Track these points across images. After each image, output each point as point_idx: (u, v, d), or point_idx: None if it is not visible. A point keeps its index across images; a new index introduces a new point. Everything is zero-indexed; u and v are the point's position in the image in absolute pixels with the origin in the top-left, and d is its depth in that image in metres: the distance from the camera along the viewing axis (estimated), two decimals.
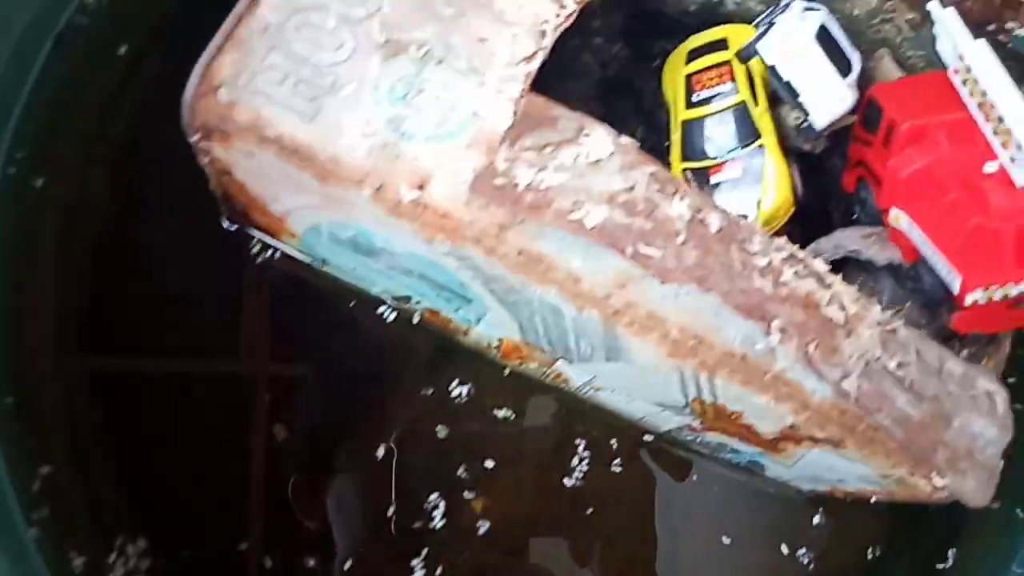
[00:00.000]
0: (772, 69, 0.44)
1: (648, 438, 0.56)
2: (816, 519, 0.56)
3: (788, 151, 0.48)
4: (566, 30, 0.45)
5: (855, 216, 0.49)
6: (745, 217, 0.46)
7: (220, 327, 0.56)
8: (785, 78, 0.44)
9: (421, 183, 0.40)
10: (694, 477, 0.57)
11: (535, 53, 0.41)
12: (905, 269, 0.43)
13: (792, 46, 0.43)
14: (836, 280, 0.39)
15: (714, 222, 0.38)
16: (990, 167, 0.39)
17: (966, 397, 0.39)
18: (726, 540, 0.55)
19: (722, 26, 0.51)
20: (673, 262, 0.37)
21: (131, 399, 0.54)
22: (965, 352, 0.44)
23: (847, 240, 0.46)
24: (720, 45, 0.50)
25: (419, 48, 0.41)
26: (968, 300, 0.38)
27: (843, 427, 0.39)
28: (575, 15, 0.42)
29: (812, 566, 0.55)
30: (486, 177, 0.39)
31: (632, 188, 0.38)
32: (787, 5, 0.48)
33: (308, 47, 0.41)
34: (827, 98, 0.43)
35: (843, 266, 0.47)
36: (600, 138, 0.39)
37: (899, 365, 0.38)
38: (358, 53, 0.41)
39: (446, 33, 0.42)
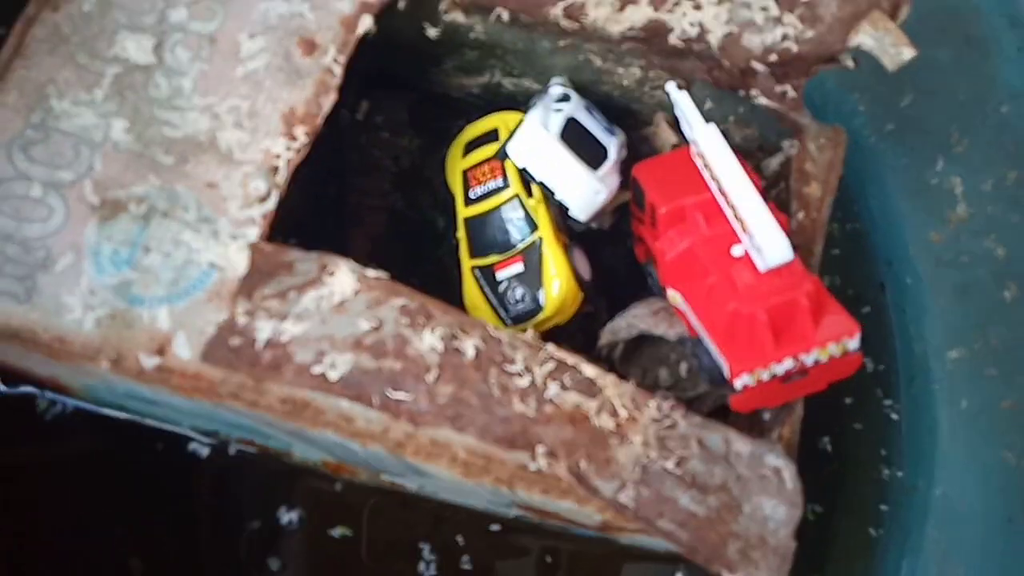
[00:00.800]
0: (524, 170, 0.43)
1: (495, 527, 0.54)
2: (678, 574, 0.55)
3: (571, 236, 0.47)
4: (355, 127, 0.43)
5: (651, 284, 0.49)
6: (537, 313, 0.46)
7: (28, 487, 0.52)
8: (538, 179, 0.43)
9: (160, 348, 0.37)
10: (548, 559, 0.55)
11: (269, 192, 0.39)
12: (692, 343, 0.43)
13: (538, 148, 0.42)
14: (609, 383, 0.38)
15: (469, 349, 0.36)
16: (737, 250, 0.38)
17: (755, 478, 0.38)
18: None
19: (493, 114, 0.50)
20: (425, 403, 0.35)
21: None
22: (767, 416, 0.43)
23: (638, 319, 0.45)
24: (492, 136, 0.49)
25: (139, 204, 0.38)
26: (738, 385, 0.38)
27: (640, 524, 0.38)
28: (309, 147, 0.40)
29: None
30: (221, 338, 0.36)
31: (380, 327, 0.36)
32: (547, 88, 0.47)
33: (12, 222, 0.37)
34: (582, 194, 0.43)
35: (644, 341, 0.47)
36: (344, 276, 0.37)
37: (679, 462, 0.37)
38: (71, 220, 0.38)
39: (169, 183, 0.39)
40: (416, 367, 0.36)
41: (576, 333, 0.49)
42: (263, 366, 0.36)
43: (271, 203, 0.39)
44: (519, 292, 0.45)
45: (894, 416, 0.60)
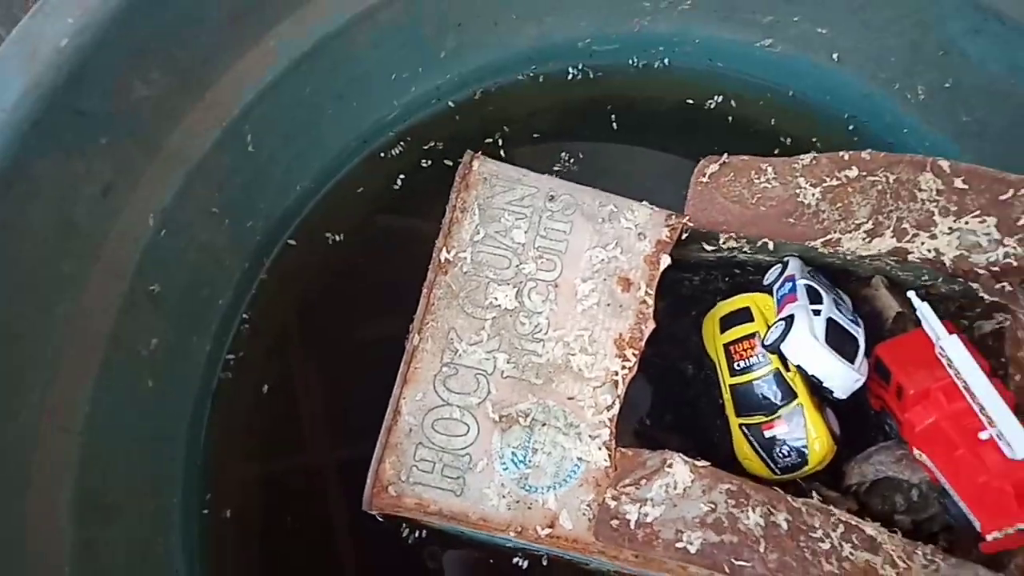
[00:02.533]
0: (799, 367, 0.56)
1: None
2: None
3: (823, 400, 0.60)
4: None
5: (887, 429, 0.60)
6: (803, 466, 0.58)
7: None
8: (811, 373, 0.55)
9: (551, 522, 0.52)
10: None
11: (613, 402, 0.54)
12: (939, 492, 0.55)
13: (809, 352, 0.54)
14: (885, 538, 0.51)
15: (783, 523, 0.50)
16: (983, 435, 0.50)
17: None
18: None
19: (743, 295, 0.63)
20: (760, 568, 0.49)
21: None
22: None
23: (884, 465, 0.57)
24: (746, 315, 0.61)
25: (525, 417, 0.54)
26: (989, 538, 0.49)
27: None
28: (638, 363, 0.54)
29: None
30: (603, 519, 0.51)
31: (715, 508, 0.50)
32: (792, 280, 0.60)
33: (444, 438, 0.54)
34: (845, 383, 0.55)
35: (884, 482, 0.59)
36: (680, 469, 0.52)
37: None
38: (481, 433, 0.54)
39: (542, 399, 0.54)
40: (748, 539, 0.50)
41: (819, 473, 0.61)
42: (640, 542, 0.50)
43: (615, 409, 0.54)
44: (786, 449, 0.58)
45: None
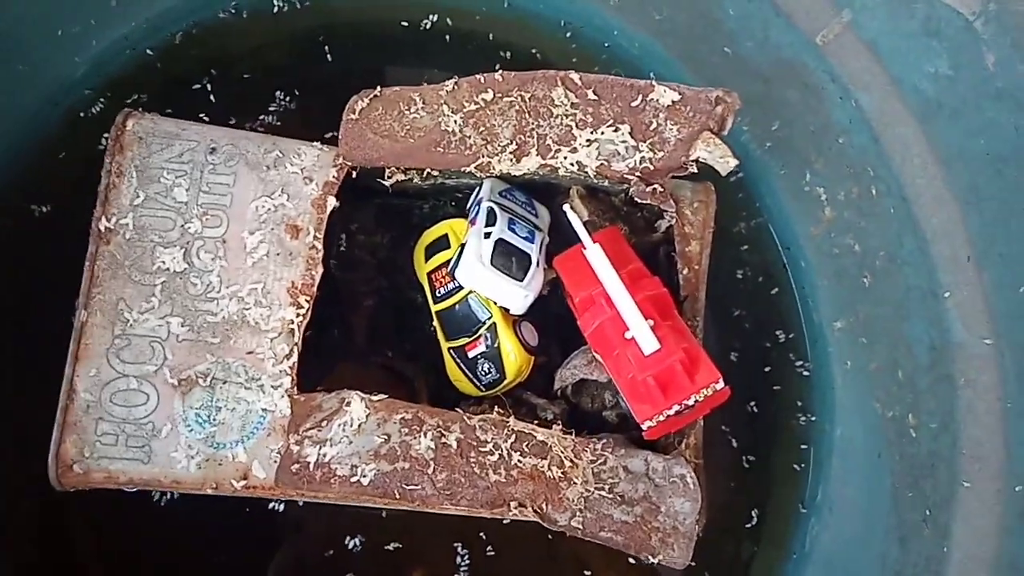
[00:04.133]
0: (471, 291, 0.57)
1: (506, 520, 0.72)
2: None
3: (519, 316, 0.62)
4: (343, 252, 0.56)
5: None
6: (502, 381, 0.61)
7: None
8: (483, 294, 0.57)
9: (244, 475, 0.54)
10: (549, 536, 0.73)
11: (291, 351, 0.54)
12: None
13: (475, 275, 0.56)
14: (555, 440, 0.54)
15: (453, 442, 0.53)
16: (628, 334, 0.53)
17: (668, 484, 0.55)
18: (587, 573, 0.72)
19: (443, 222, 0.63)
20: (429, 488, 0.52)
21: None
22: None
23: (578, 369, 0.61)
24: (444, 242, 0.62)
25: (205, 377, 0.54)
26: (645, 426, 0.53)
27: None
28: (311, 308, 0.55)
29: (656, 563, 0.73)
30: (286, 465, 0.53)
31: (388, 439, 0.53)
32: (479, 202, 0.61)
33: (124, 409, 0.53)
34: (514, 300, 0.57)
35: (582, 384, 0.62)
36: (357, 406, 0.53)
37: (611, 488, 0.54)
38: (162, 400, 0.54)
39: (221, 357, 0.54)
40: (419, 463, 0.52)
41: (537, 379, 0.65)
42: (318, 482, 0.52)
43: (293, 358, 0.55)
44: (486, 366, 0.61)
45: (805, 373, 0.76)
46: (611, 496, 0.53)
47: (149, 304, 0.54)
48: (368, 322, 0.71)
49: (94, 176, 0.59)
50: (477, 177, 0.64)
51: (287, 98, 0.75)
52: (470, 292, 0.61)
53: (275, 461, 0.53)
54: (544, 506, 0.52)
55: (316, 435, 0.53)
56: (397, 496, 0.51)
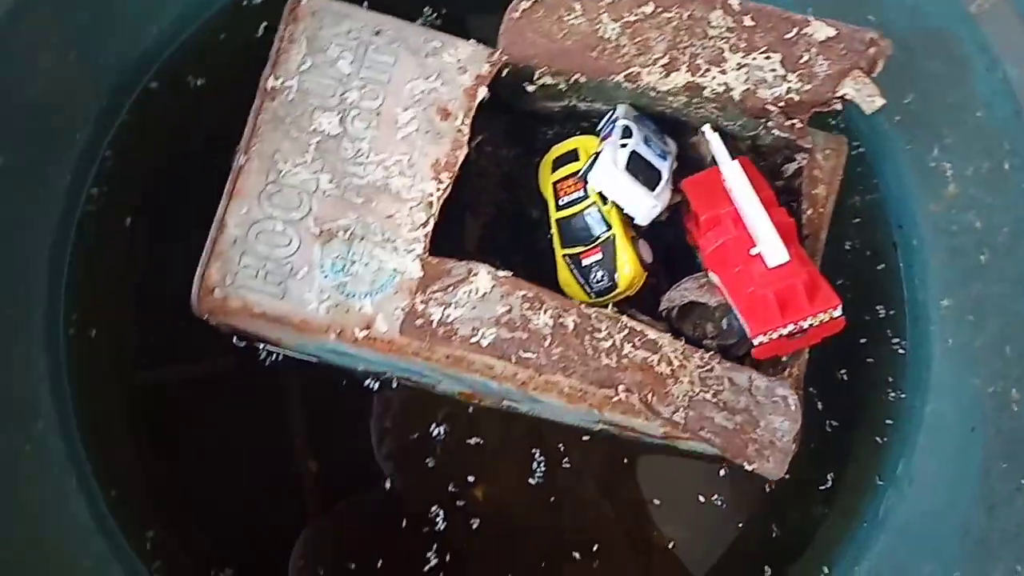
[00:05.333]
0: (600, 193, 0.60)
1: (586, 437, 0.74)
2: (722, 472, 0.74)
3: (637, 231, 0.64)
4: (469, 159, 0.59)
5: (698, 262, 0.65)
6: (613, 289, 0.63)
7: (245, 404, 0.74)
8: (611, 199, 0.59)
9: (367, 324, 0.57)
10: (625, 460, 0.75)
11: (428, 220, 0.58)
12: (727, 309, 0.60)
13: (608, 178, 0.58)
14: (665, 341, 0.56)
15: (570, 323, 0.55)
16: (753, 250, 0.54)
17: (769, 403, 0.56)
18: (657, 502, 0.74)
19: (574, 138, 0.66)
20: (544, 359, 0.54)
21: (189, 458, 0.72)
22: (784, 358, 0.61)
23: (688, 291, 0.62)
24: (573, 155, 0.65)
25: (345, 232, 0.57)
26: (756, 342, 0.55)
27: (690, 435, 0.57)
28: (451, 186, 0.58)
29: (724, 506, 0.74)
30: (410, 319, 0.56)
31: (510, 310, 0.55)
32: (614, 121, 0.63)
33: (267, 248, 0.57)
34: (642, 208, 0.59)
35: (693, 304, 0.64)
36: (483, 277, 0.56)
37: (715, 394, 0.55)
38: (303, 245, 0.57)
39: (362, 216, 0.58)
40: (536, 336, 0.54)
41: (644, 299, 0.66)
42: (440, 337, 0.55)
43: (429, 227, 0.58)
44: (600, 274, 0.63)
45: (900, 351, 0.76)
46: (714, 401, 0.55)
47: (302, 159, 0.58)
48: (482, 230, 0.74)
49: (247, 58, 0.64)
50: (611, 102, 0.66)
51: (434, 14, 0.78)
52: (593, 203, 0.63)
53: (398, 318, 0.56)
54: (650, 397, 0.54)
55: (442, 297, 0.56)
56: (513, 360, 0.54)
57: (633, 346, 0.55)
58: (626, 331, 0.56)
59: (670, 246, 0.69)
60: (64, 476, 0.67)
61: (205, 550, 0.71)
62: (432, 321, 0.55)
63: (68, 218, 0.71)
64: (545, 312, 0.55)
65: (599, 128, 0.66)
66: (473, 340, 0.54)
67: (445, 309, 0.56)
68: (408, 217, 0.58)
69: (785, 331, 0.54)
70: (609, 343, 0.55)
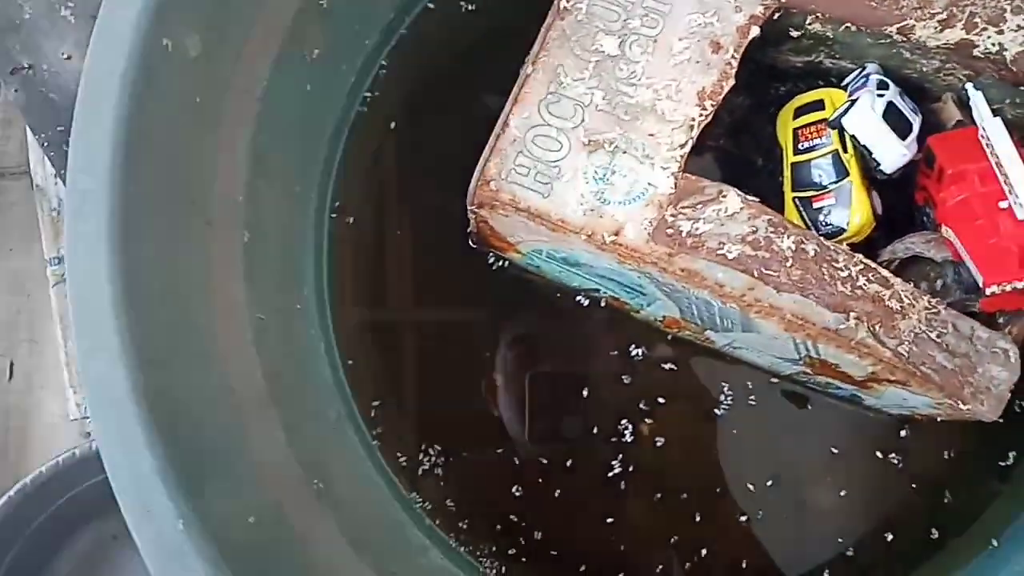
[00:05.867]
0: (853, 137, 0.64)
1: (774, 380, 0.78)
2: (903, 432, 0.77)
3: (872, 182, 0.68)
4: None
5: (924, 221, 0.68)
6: (841, 233, 0.67)
7: (470, 307, 0.83)
8: (862, 143, 0.64)
9: (617, 231, 0.64)
10: (809, 407, 0.79)
11: (687, 142, 0.64)
12: (955, 264, 0.63)
13: (867, 122, 0.62)
14: (897, 281, 0.60)
15: (811, 250, 0.60)
16: (1003, 204, 0.57)
17: (989, 353, 0.59)
18: (835, 451, 0.78)
19: (820, 89, 0.70)
20: (784, 278, 0.59)
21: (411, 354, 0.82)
22: (1002, 319, 0.63)
23: (914, 244, 0.66)
24: (819, 105, 0.69)
25: (610, 144, 0.64)
26: (988, 292, 0.58)
27: (905, 373, 0.61)
28: (713, 114, 0.64)
29: (900, 465, 0.77)
30: (660, 228, 0.62)
31: (756, 231, 0.61)
32: (866, 76, 0.67)
33: (541, 151, 0.65)
34: (892, 155, 0.63)
35: (914, 260, 0.67)
36: (732, 198, 0.62)
37: (939, 335, 0.59)
38: (571, 151, 0.65)
39: (627, 132, 0.64)
40: (778, 257, 0.60)
41: (862, 250, 0.70)
42: (688, 246, 0.61)
43: (687, 148, 0.64)
44: (830, 217, 0.67)
45: None
46: (938, 341, 0.59)
47: (582, 75, 0.65)
48: (703, 172, 0.79)
49: None
50: (858, 60, 0.70)
51: None
52: (834, 150, 0.68)
53: (646, 228, 0.63)
54: (877, 327, 0.59)
55: (691, 213, 0.62)
56: (755, 274, 0.59)
57: (868, 280, 0.59)
58: (861, 265, 0.60)
59: (891, 207, 0.72)
60: (318, 337, 0.78)
61: (417, 429, 0.80)
62: (681, 232, 0.62)
63: (346, 114, 0.82)
64: (788, 237, 0.60)
65: (846, 83, 0.70)
66: (719, 252, 0.60)
67: (694, 223, 0.62)
68: (669, 137, 0.64)
69: (1020, 285, 0.57)
70: (845, 273, 0.59)
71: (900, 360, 0.59)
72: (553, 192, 0.65)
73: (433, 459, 0.78)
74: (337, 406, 0.75)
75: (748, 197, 0.62)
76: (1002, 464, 0.76)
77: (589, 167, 0.64)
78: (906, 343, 0.58)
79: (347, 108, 0.81)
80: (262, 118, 0.67)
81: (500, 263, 0.80)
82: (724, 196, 0.62)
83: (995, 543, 0.75)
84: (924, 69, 0.68)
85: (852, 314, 0.59)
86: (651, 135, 0.64)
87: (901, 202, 0.71)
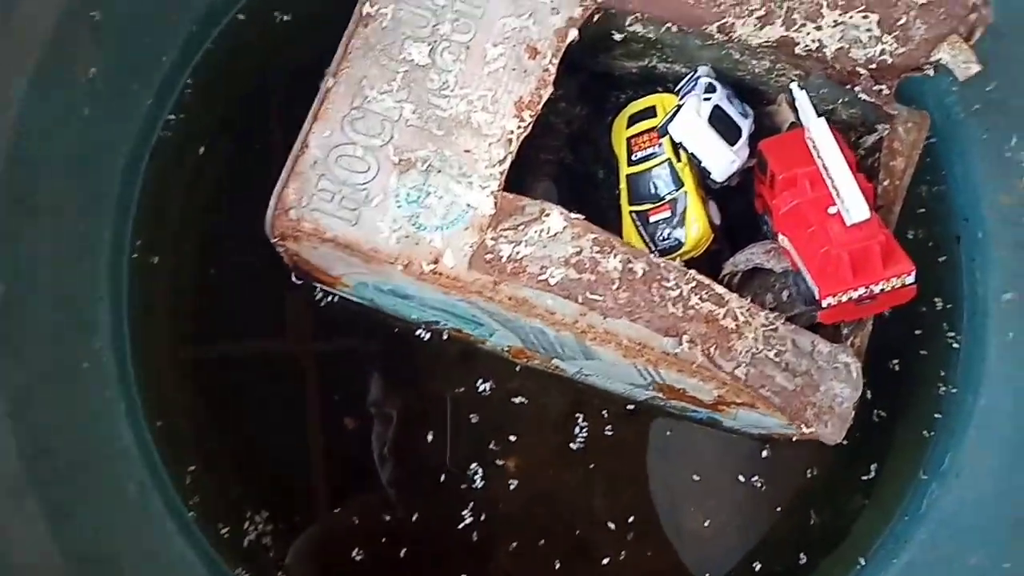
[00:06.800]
0: (680, 144, 0.60)
1: (631, 407, 0.74)
2: (764, 452, 0.73)
3: (709, 191, 0.64)
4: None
5: (765, 230, 0.65)
6: (679, 247, 0.63)
7: (296, 349, 0.75)
8: (691, 151, 0.60)
9: (435, 259, 0.57)
10: (669, 433, 0.74)
11: (505, 157, 0.58)
12: (794, 275, 0.60)
13: (692, 128, 0.58)
14: (732, 298, 0.56)
15: (639, 270, 0.55)
16: (832, 209, 0.54)
17: (830, 368, 0.55)
18: (696, 478, 0.73)
19: (652, 95, 0.66)
20: (611, 303, 0.54)
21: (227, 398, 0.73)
22: (846, 329, 0.60)
23: (754, 255, 0.62)
24: (651, 112, 0.65)
25: (423, 163, 0.58)
26: (824, 304, 0.54)
27: (749, 396, 0.56)
28: (531, 126, 0.58)
29: (764, 488, 0.73)
30: (480, 254, 0.56)
31: (580, 252, 0.55)
32: (696, 79, 0.63)
33: (345, 173, 0.58)
34: (721, 162, 0.59)
35: (756, 272, 0.64)
36: (555, 217, 0.56)
37: (778, 353, 0.55)
38: (380, 172, 0.58)
39: (441, 149, 0.58)
40: (605, 279, 0.55)
41: (704, 264, 0.66)
42: (508, 273, 0.55)
43: (506, 164, 0.58)
44: (666, 232, 0.63)
45: (955, 345, 0.75)
46: (776, 360, 0.55)
47: (389, 87, 0.59)
48: (545, 187, 0.74)
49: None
50: (691, 63, 0.67)
51: None
52: (667, 159, 0.64)
53: (467, 254, 0.57)
54: (713, 350, 0.54)
55: (512, 235, 0.56)
56: (580, 301, 0.54)
57: (700, 298, 0.55)
58: (694, 283, 0.56)
59: (734, 216, 0.69)
60: (115, 399, 0.68)
61: (241, 493, 0.72)
62: (501, 257, 0.56)
63: (145, 140, 0.72)
64: (615, 256, 0.55)
65: (678, 88, 0.66)
66: (541, 278, 0.55)
67: (515, 247, 0.56)
68: (486, 153, 0.58)
69: (855, 294, 0.54)
70: (676, 292, 0.55)
71: (738, 383, 0.54)
72: (362, 219, 0.58)
73: (260, 527, 0.69)
74: (139, 476, 0.65)
75: (573, 215, 0.57)
76: (865, 478, 0.74)
77: (401, 189, 0.58)
78: (743, 365, 0.54)
79: (145, 133, 0.72)
80: (17, 149, 0.57)
81: (330, 298, 0.73)
82: (547, 215, 0.57)
83: (863, 561, 0.72)
84: (756, 70, 0.65)
85: (685, 337, 0.54)
86: (467, 151, 0.58)
87: (748, 211, 0.68)
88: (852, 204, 0.52)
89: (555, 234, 0.56)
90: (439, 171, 0.58)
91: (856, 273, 0.53)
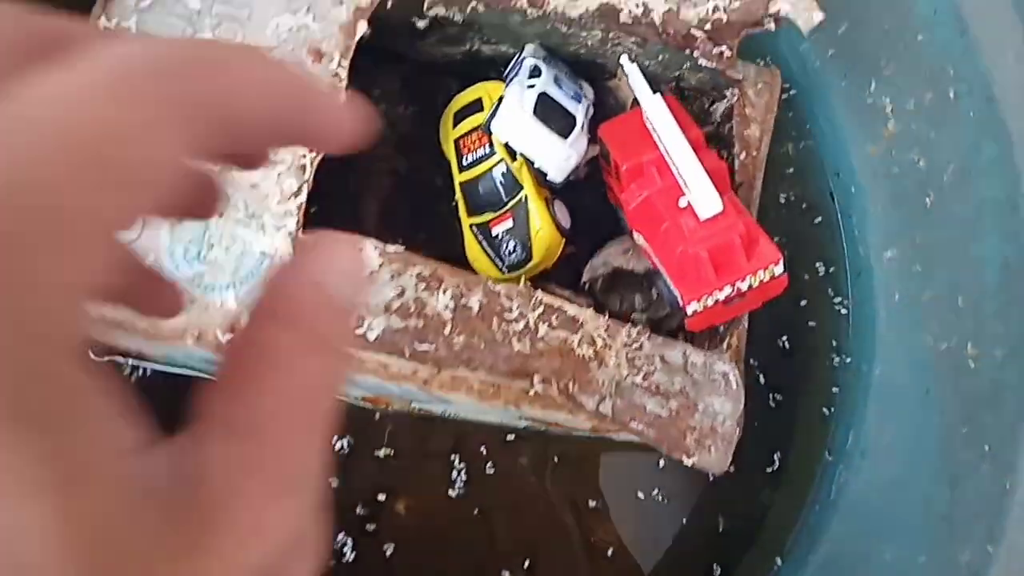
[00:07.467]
0: (507, 144, 0.51)
1: (510, 437, 0.65)
2: (661, 463, 0.67)
3: (552, 191, 0.56)
4: None
5: (623, 224, 0.57)
6: (528, 260, 0.55)
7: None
8: (519, 150, 0.51)
9: (232, 325, 0.47)
10: (556, 459, 0.67)
11: (300, 187, 0.48)
12: (655, 275, 0.52)
13: (516, 124, 0.50)
14: (588, 317, 0.48)
15: (475, 304, 0.46)
16: (683, 201, 0.47)
17: (707, 382, 0.49)
18: (592, 503, 0.66)
19: (477, 85, 0.57)
20: (444, 352, 0.45)
21: None
22: (721, 328, 0.53)
23: (611, 257, 0.54)
24: (477, 106, 0.56)
25: None
26: (689, 311, 0.47)
27: (620, 429, 0.49)
28: None
29: (667, 501, 0.67)
30: None
31: (403, 293, 0.46)
32: (521, 61, 0.55)
33: None
34: (555, 159, 0.51)
35: (619, 275, 0.56)
36: (369, 253, 0.47)
37: (645, 376, 0.47)
38: (147, 227, 0.47)
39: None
40: (434, 323, 0.46)
41: (563, 271, 0.58)
42: None
43: (302, 196, 0.48)
44: (512, 244, 0.54)
45: (843, 311, 0.70)
46: (645, 384, 0.47)
47: None
48: (381, 205, 0.64)
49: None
50: (518, 42, 0.58)
51: None
52: (500, 160, 0.55)
53: None
54: (571, 386, 0.46)
55: None
56: (407, 354, 0.45)
57: (550, 326, 0.47)
58: (541, 309, 0.47)
59: (591, 210, 0.61)
60: None
61: None
62: None
63: None
64: (444, 292, 0.46)
65: (506, 73, 0.57)
66: (359, 333, 0.45)
67: None
68: (276, 185, 0.48)
69: (722, 295, 0.47)
70: (521, 324, 0.46)
71: (605, 420, 0.47)
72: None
73: None
74: None
75: (389, 248, 0.47)
76: (769, 470, 0.68)
77: (176, 246, 0.47)
78: (607, 398, 0.46)
79: None
80: None
81: (139, 370, 0.61)
82: (360, 251, 0.47)
83: (779, 561, 0.67)
84: (589, 42, 0.57)
85: (536, 377, 0.46)
86: (253, 186, 0.48)
87: (603, 202, 0.60)
88: (702, 196, 0.45)
89: (370, 274, 0.47)
90: (221, 215, 0.47)
91: (719, 272, 0.46)
